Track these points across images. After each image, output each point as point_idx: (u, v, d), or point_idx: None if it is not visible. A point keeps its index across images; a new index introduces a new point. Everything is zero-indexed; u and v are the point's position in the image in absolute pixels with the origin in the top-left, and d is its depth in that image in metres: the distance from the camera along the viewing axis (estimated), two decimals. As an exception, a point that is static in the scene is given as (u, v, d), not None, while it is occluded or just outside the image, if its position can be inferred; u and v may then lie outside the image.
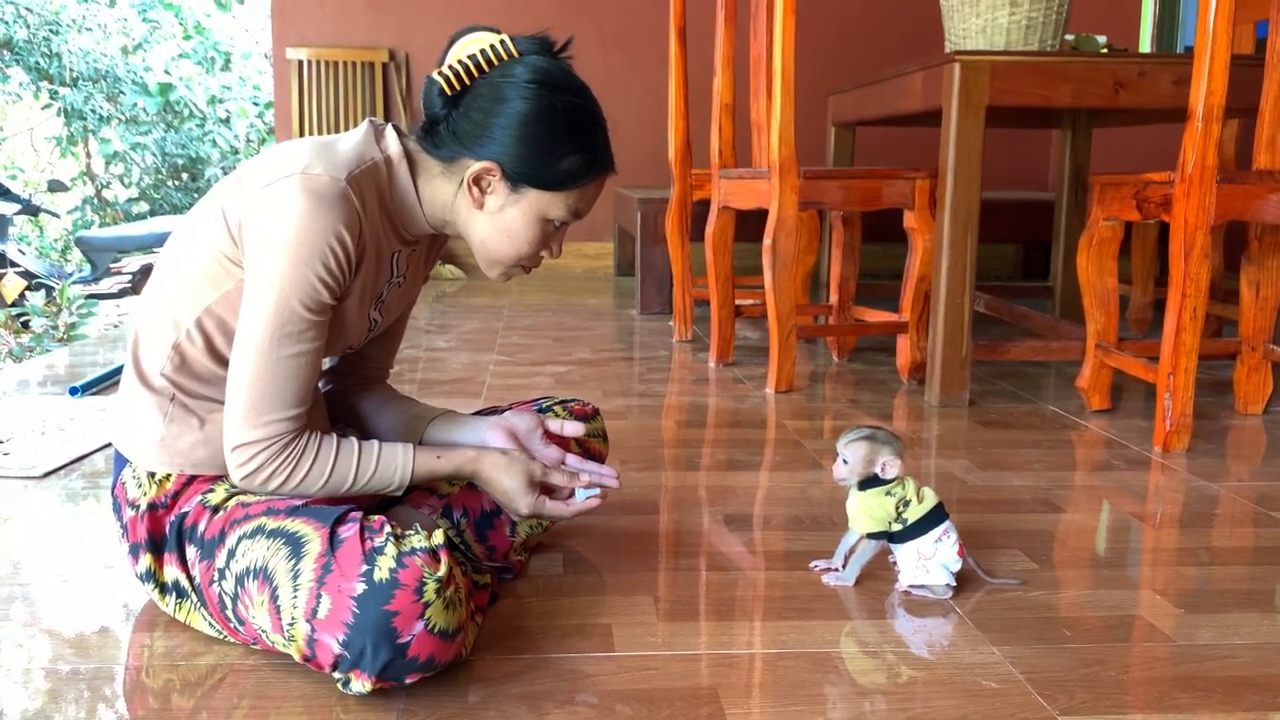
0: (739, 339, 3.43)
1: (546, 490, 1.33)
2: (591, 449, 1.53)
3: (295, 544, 1.10)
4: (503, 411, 1.45)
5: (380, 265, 1.26)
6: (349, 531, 1.09)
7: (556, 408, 1.52)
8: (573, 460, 1.37)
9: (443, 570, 1.06)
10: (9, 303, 5.94)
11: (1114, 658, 1.21)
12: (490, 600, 1.32)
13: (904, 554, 1.37)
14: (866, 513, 1.37)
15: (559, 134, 1.20)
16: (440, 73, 1.20)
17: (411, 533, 1.11)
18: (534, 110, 1.18)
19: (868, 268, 4.28)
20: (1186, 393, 2.09)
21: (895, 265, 4.33)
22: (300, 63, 4.98)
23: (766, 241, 2.60)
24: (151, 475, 1.25)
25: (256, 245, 1.13)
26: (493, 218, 1.24)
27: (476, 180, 1.21)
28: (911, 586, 1.37)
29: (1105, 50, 2.75)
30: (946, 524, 1.37)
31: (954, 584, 1.36)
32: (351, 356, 1.45)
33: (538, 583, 1.42)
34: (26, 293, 6.09)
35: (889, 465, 1.36)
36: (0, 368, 4.41)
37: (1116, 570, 1.50)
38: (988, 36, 2.60)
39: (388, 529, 1.09)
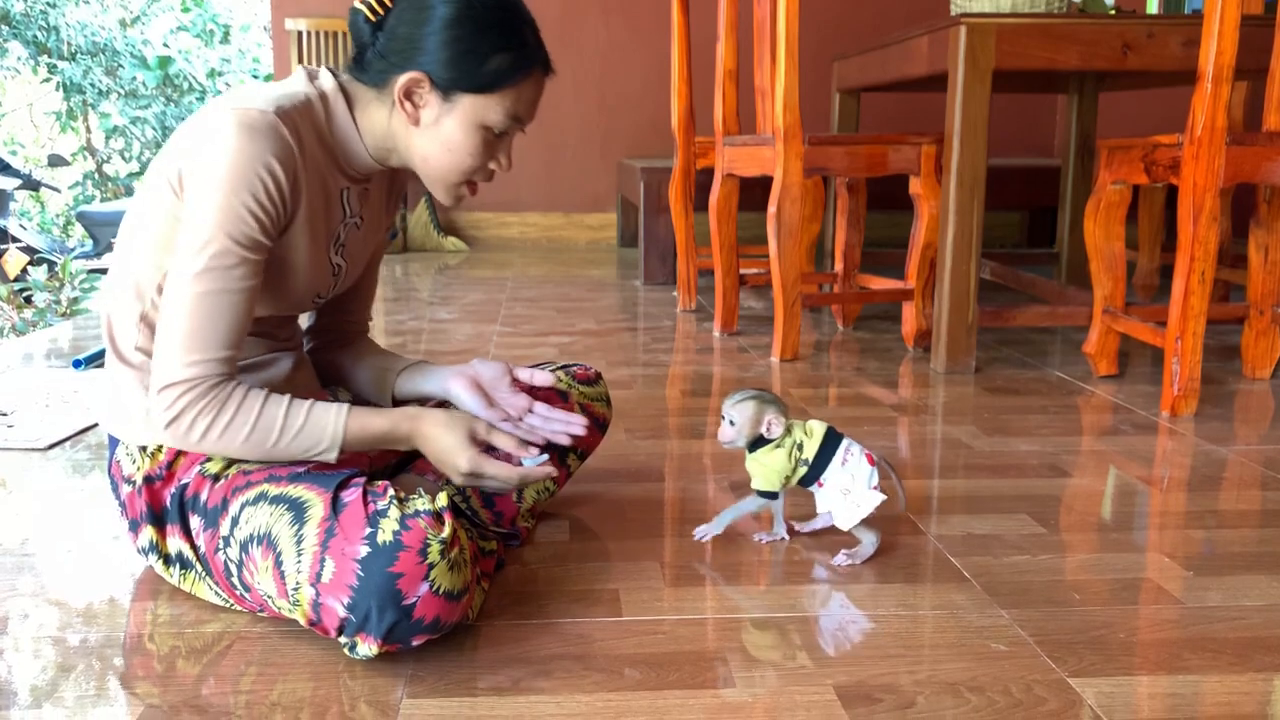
0: (743, 308, 3.42)
1: (490, 452, 1.27)
2: (594, 412, 1.52)
3: (298, 509, 1.10)
4: None
5: (329, 203, 1.25)
6: (352, 495, 1.09)
7: (560, 373, 1.52)
8: (541, 408, 1.35)
9: (446, 532, 1.06)
10: (11, 278, 5.93)
11: (1122, 620, 1.21)
12: (497, 567, 1.32)
13: (829, 497, 1.36)
14: (762, 471, 1.37)
15: (483, 32, 1.17)
16: (363, 0, 1.19)
17: (415, 496, 1.10)
18: (454, 13, 1.16)
19: (871, 236, 4.26)
20: (1194, 357, 2.07)
21: (898, 233, 4.32)
22: (300, 34, 4.94)
23: (771, 209, 2.58)
24: (143, 449, 1.25)
25: (191, 181, 1.13)
26: (429, 132, 1.21)
27: (407, 94, 1.19)
28: (854, 529, 1.35)
29: (1113, 12, 2.72)
30: (845, 441, 1.37)
31: (884, 496, 1.35)
32: (326, 311, 1.45)
33: (544, 549, 1.41)
34: (29, 268, 6.08)
35: (774, 424, 1.35)
36: (3, 342, 4.41)
37: (1124, 534, 1.49)
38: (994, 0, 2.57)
39: (391, 492, 1.09)
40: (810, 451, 1.36)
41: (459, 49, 1.17)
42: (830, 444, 1.36)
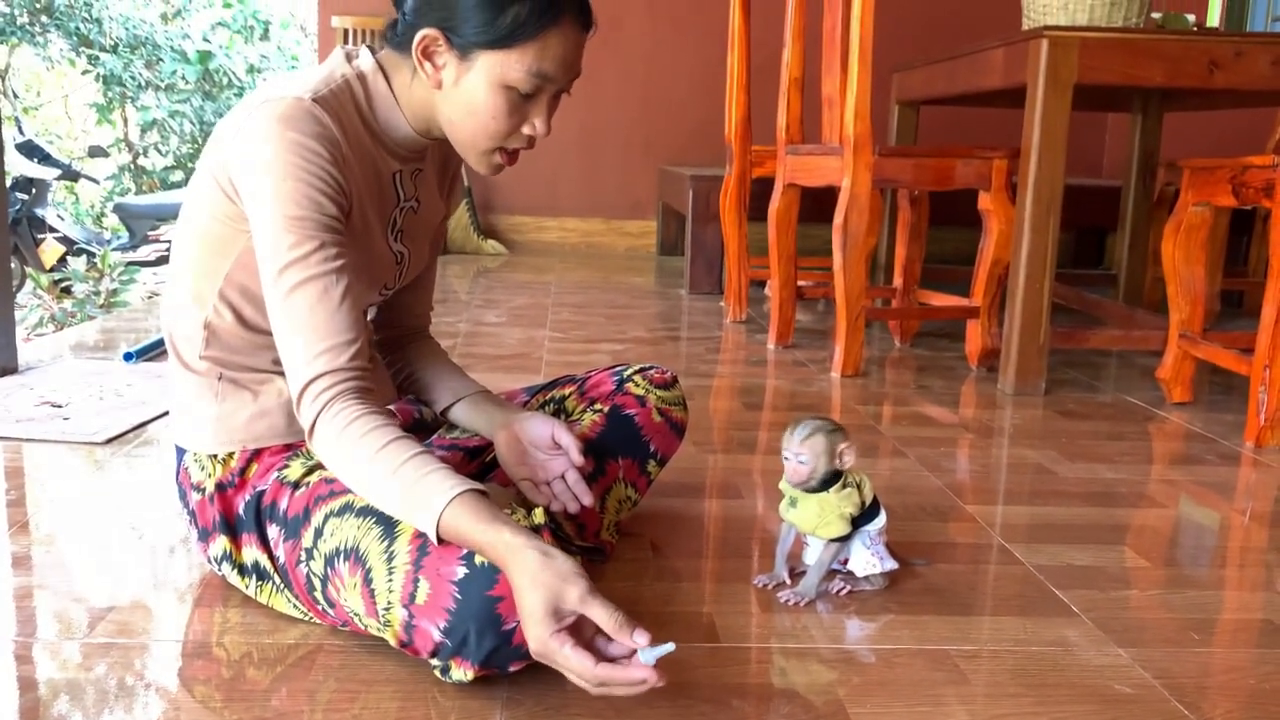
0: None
1: (580, 631, 0.96)
2: (673, 417, 1.45)
3: (388, 523, 1.05)
4: (559, 385, 1.47)
5: (382, 187, 1.20)
6: (444, 510, 1.03)
7: (636, 376, 1.45)
8: (573, 478, 1.26)
9: (547, 551, 0.99)
10: (48, 268, 5.92)
11: (1251, 665, 1.14)
12: (583, 584, 1.26)
13: (858, 543, 1.28)
14: (835, 514, 1.24)
15: None
16: None
17: (509, 512, 1.04)
18: None
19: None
20: (1283, 386, 2.00)
21: (948, 249, 4.24)
22: (346, 31, 4.91)
23: (837, 220, 2.52)
24: (213, 456, 1.21)
25: (245, 182, 1.08)
26: (452, 94, 1.13)
27: (425, 54, 1.11)
28: (868, 577, 1.29)
29: (1195, 29, 2.65)
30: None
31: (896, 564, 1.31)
32: (389, 307, 1.40)
33: (627, 568, 1.35)
34: (67, 258, 6.07)
35: (846, 453, 1.24)
36: (44, 332, 4.40)
37: (1233, 570, 1.42)
38: (1069, 13, 2.51)
39: None
40: (868, 497, 1.28)
41: (473, 0, 1.08)
42: (874, 500, 1.29)
